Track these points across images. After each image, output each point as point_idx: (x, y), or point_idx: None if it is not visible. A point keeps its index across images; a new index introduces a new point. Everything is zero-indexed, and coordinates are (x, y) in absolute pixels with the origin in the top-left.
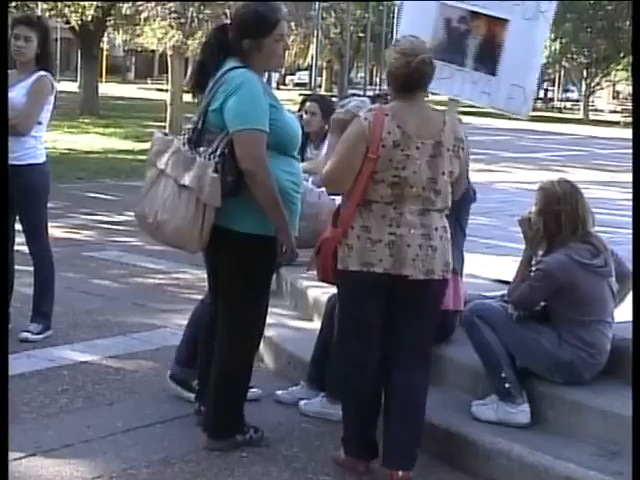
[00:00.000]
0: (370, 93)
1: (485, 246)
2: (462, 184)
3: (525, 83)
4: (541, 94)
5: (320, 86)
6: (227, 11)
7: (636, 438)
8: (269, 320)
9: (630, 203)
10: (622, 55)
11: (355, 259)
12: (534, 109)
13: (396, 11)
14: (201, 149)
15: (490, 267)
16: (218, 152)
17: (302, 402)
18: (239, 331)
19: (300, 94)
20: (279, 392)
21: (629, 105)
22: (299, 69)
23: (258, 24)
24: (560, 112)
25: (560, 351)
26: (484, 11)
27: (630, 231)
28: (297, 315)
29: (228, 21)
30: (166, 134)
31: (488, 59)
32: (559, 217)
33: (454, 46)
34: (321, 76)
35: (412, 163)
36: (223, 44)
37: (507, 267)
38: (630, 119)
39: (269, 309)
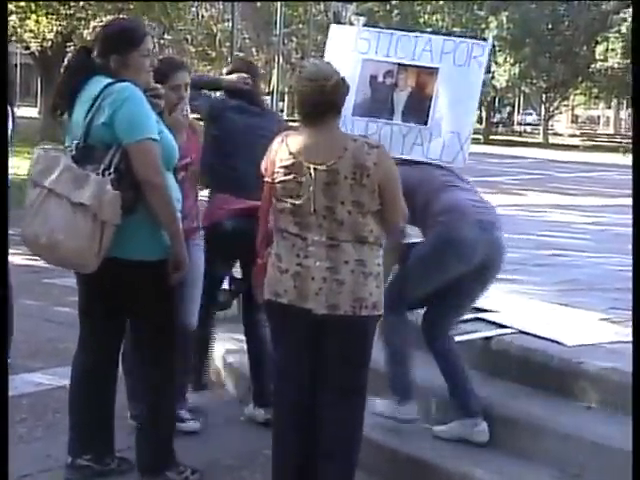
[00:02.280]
0: None
1: None
2: (394, 215)
3: (460, 128)
4: (500, 117)
5: (282, 111)
6: (188, 37)
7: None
8: (230, 346)
9: (589, 227)
10: (580, 80)
11: (267, 287)
12: (495, 133)
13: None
14: (89, 166)
15: None
16: (112, 168)
17: (242, 418)
18: (156, 366)
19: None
20: (242, 418)
21: (587, 129)
22: None
23: (124, 39)
24: (520, 136)
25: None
26: (412, 62)
27: (591, 254)
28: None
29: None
30: (49, 150)
31: (418, 110)
32: None
33: (380, 101)
34: (283, 101)
35: (306, 190)
36: (85, 63)
37: None
38: (589, 143)
39: (230, 334)
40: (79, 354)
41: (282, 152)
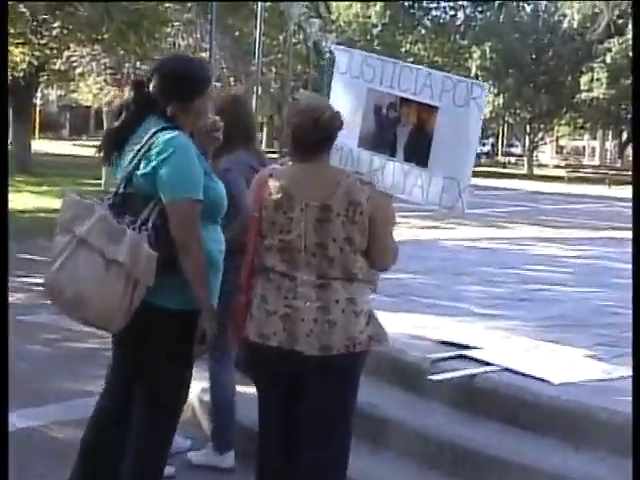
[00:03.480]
0: None
1: (426, 306)
2: (384, 253)
3: (458, 175)
4: (485, 149)
5: (261, 142)
6: None
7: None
8: (206, 384)
9: (575, 260)
10: (565, 110)
11: (253, 329)
12: (478, 164)
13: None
14: (127, 218)
15: (434, 328)
16: (149, 223)
17: (190, 453)
18: (159, 418)
19: None
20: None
21: (573, 160)
22: None
23: (191, 85)
24: (504, 167)
25: None
26: (414, 97)
27: (575, 288)
28: (235, 379)
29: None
30: (83, 198)
31: (419, 149)
32: None
33: (384, 135)
34: (262, 132)
35: (296, 226)
36: (144, 102)
37: (450, 328)
38: (574, 174)
39: (206, 373)
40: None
41: (271, 186)
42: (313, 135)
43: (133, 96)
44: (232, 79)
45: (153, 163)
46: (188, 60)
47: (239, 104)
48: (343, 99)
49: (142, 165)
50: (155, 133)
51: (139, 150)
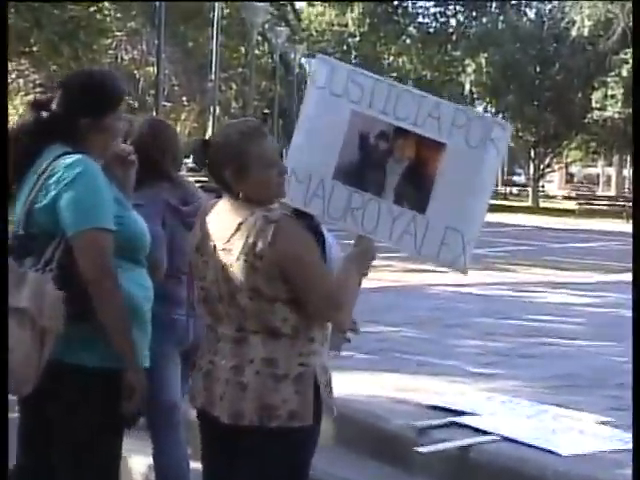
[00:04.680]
0: None
1: (416, 364)
2: (318, 308)
3: (464, 226)
4: None
5: None
6: None
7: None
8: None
9: (587, 309)
10: (574, 132)
11: (190, 388)
12: None
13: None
14: (29, 260)
15: (422, 391)
16: (54, 263)
17: None
18: None
19: (197, 181)
20: None
21: (585, 190)
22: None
23: (103, 99)
24: (505, 199)
25: None
26: (413, 129)
27: (586, 342)
28: (190, 453)
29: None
30: None
31: (416, 192)
32: None
33: (370, 169)
34: None
35: (211, 271)
36: (44, 126)
37: (440, 390)
38: (586, 207)
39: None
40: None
41: (196, 224)
42: (209, 167)
43: (31, 120)
44: (184, 98)
45: (52, 193)
46: (99, 72)
47: (167, 129)
48: (317, 118)
49: (40, 197)
50: (55, 159)
51: (37, 180)
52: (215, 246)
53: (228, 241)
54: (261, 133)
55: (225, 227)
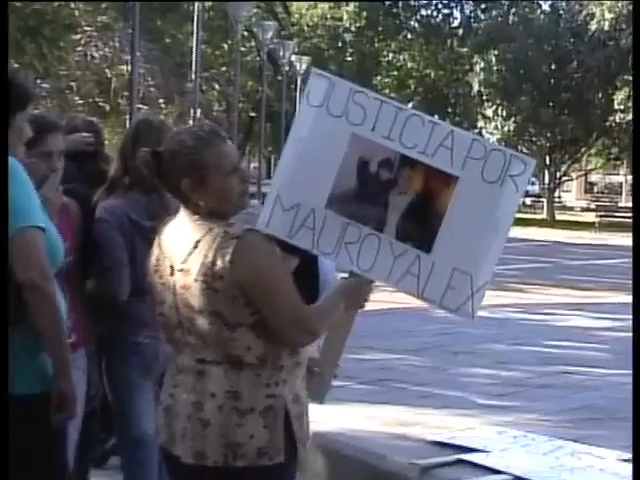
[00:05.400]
0: (267, 190)
1: (418, 395)
2: (286, 332)
3: (474, 269)
4: None
5: None
6: (72, 84)
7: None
8: None
9: (609, 334)
10: (595, 136)
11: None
12: None
13: (299, 82)
14: None
15: (425, 424)
16: None
17: None
18: None
19: None
20: None
21: (606, 201)
22: None
23: (12, 97)
24: (517, 211)
25: None
26: (423, 159)
27: (608, 371)
28: None
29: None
30: None
31: (421, 228)
32: None
33: (369, 201)
34: None
35: (169, 295)
36: None
37: (446, 424)
38: (608, 219)
39: None
40: None
41: (155, 247)
42: (164, 179)
43: None
44: (161, 100)
45: None
46: (10, 71)
47: (164, 127)
48: (311, 140)
49: None
50: None
51: None
52: (172, 267)
53: (185, 261)
54: (219, 137)
55: (182, 245)
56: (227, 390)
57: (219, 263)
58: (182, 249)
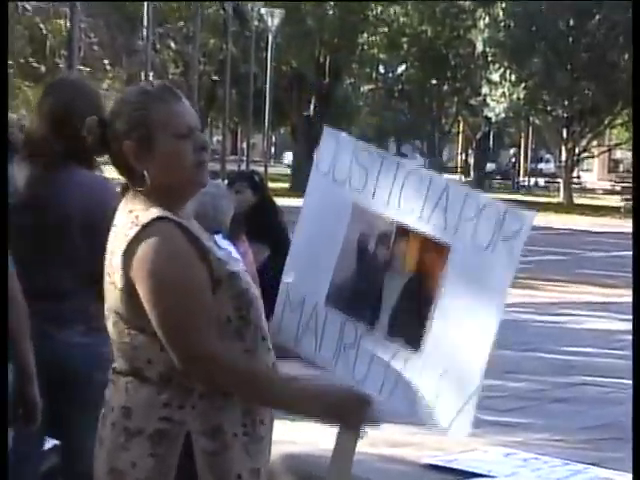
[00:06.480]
0: (233, 168)
1: None
2: (170, 346)
3: (465, 372)
4: (497, 165)
5: None
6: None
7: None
8: None
9: (632, 338)
10: (620, 106)
11: None
12: (489, 189)
13: (270, 40)
14: None
15: (419, 445)
16: None
17: None
18: None
19: None
20: None
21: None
22: None
23: None
24: (529, 194)
25: None
26: (418, 226)
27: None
28: None
29: None
30: None
31: (411, 318)
32: None
33: (366, 289)
34: None
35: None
36: None
37: (444, 444)
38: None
39: None
40: None
41: None
42: (109, 150)
43: None
44: (107, 61)
45: None
46: None
47: (95, 94)
48: (318, 216)
49: None
50: None
51: None
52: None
53: (111, 251)
54: (172, 94)
55: (113, 232)
56: (122, 405)
57: (118, 253)
58: (112, 236)
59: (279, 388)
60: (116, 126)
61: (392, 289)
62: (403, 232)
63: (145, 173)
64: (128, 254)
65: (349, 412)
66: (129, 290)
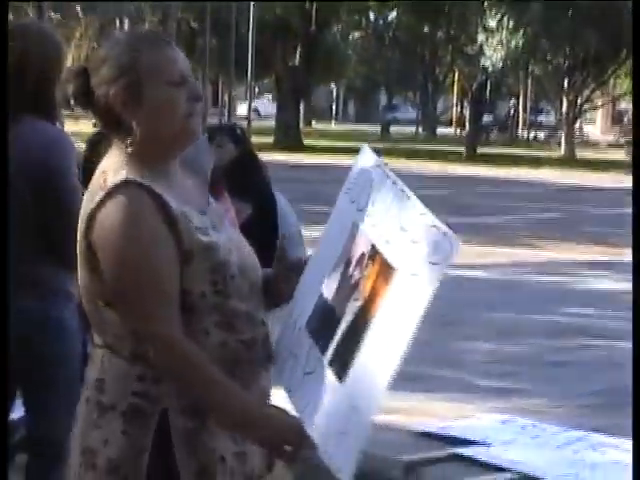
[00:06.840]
0: (213, 121)
1: (401, 376)
2: (123, 316)
3: (366, 412)
4: (494, 117)
5: None
6: None
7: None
8: None
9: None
10: (625, 54)
11: None
12: (485, 143)
13: None
14: None
15: (410, 412)
16: None
17: None
18: None
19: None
20: None
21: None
22: None
23: None
24: (528, 147)
25: None
26: (382, 249)
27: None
28: None
29: None
30: None
31: (351, 346)
32: None
33: (332, 313)
34: None
35: None
36: None
37: (438, 410)
38: None
39: None
40: None
41: None
42: (92, 101)
43: None
44: (79, 7)
45: None
46: None
47: (58, 42)
48: (327, 238)
49: None
50: None
51: None
52: None
53: (81, 216)
54: (162, 40)
55: (85, 194)
56: (96, 378)
57: (83, 217)
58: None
59: (226, 400)
60: (102, 72)
61: (349, 314)
62: (374, 252)
63: (133, 124)
64: (91, 222)
65: (282, 446)
66: (91, 261)
